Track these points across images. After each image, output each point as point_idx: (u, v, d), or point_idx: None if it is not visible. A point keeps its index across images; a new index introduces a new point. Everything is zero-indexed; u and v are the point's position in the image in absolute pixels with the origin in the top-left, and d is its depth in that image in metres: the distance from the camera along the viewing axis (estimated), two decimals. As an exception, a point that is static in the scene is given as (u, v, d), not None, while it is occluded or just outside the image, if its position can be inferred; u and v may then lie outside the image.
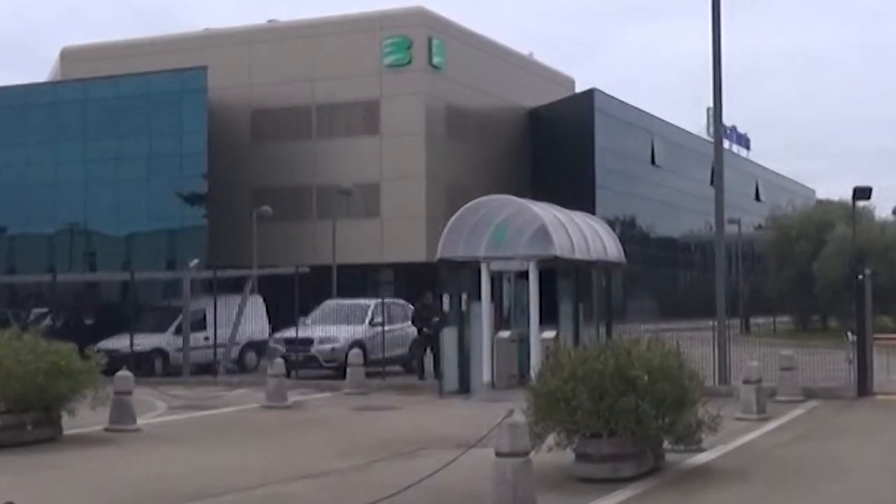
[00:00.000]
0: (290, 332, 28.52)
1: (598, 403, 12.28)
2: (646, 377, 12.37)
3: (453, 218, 23.86)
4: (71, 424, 17.25)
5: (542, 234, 23.02)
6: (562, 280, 24.04)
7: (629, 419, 12.25)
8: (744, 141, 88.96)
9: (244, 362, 30.82)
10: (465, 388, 23.98)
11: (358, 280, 50.39)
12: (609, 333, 24.95)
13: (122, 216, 55.88)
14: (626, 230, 62.57)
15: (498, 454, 10.44)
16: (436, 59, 57.46)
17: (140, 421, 19.14)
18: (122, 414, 18.24)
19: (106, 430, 17.96)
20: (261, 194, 54.05)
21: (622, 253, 26.38)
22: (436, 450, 15.47)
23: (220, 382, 27.44)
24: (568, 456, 12.71)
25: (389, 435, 17.62)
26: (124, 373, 18.47)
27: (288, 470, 13.87)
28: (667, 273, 72.91)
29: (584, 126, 63.49)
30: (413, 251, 50.49)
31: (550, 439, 12.55)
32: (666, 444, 13.25)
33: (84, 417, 17.23)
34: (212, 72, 54.58)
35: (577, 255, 23.56)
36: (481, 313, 23.66)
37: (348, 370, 25.14)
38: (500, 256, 23.60)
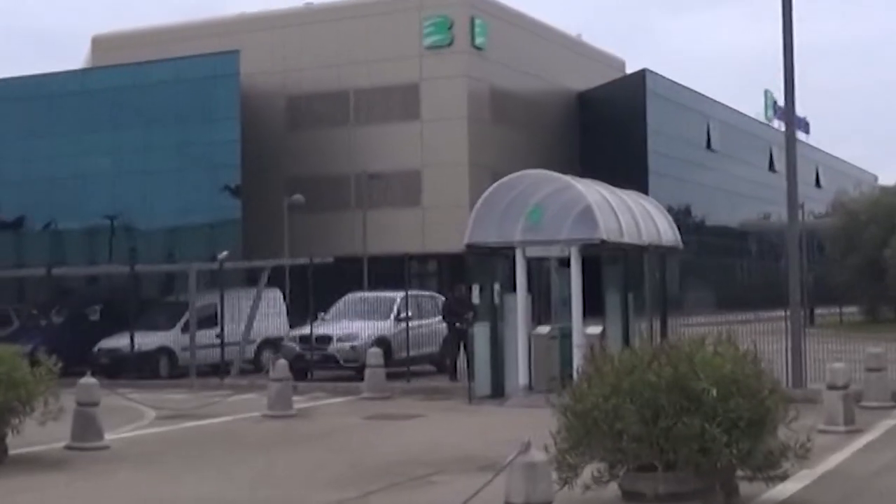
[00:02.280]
0: (306, 329, 25.56)
1: (650, 426, 9.25)
2: (714, 391, 9.33)
3: (484, 196, 20.80)
4: (31, 441, 14.48)
5: (587, 215, 19.94)
6: (608, 267, 20.90)
7: (692, 447, 9.21)
8: (803, 125, 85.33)
9: (260, 362, 27.86)
10: (498, 391, 20.95)
11: (397, 271, 47.95)
12: (664, 328, 21.82)
13: (153, 208, 54.16)
14: (681, 218, 59.72)
15: (509, 506, 7.47)
16: (478, 40, 55.01)
17: (115, 435, 16.35)
18: (86, 429, 15.38)
19: (67, 447, 15.16)
20: (297, 183, 52.13)
21: (678, 237, 23.21)
22: (453, 475, 12.64)
23: (228, 385, 24.59)
24: (611, 493, 9.72)
25: (401, 453, 14.67)
26: (87, 380, 15.61)
27: (256, 507, 10.98)
28: (724, 262, 69.67)
29: (636, 109, 61.05)
30: (455, 241, 47.64)
31: (588, 473, 9.57)
32: (739, 472, 10.19)
33: (49, 433, 14.45)
34: (246, 57, 52.65)
35: (627, 239, 20.43)
36: (516, 306, 20.61)
37: (367, 372, 22.15)
38: (537, 241, 20.49)
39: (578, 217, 20.23)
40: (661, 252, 22.16)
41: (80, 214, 55.39)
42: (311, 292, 25.57)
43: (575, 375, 11.80)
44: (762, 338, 19.47)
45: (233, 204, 53.08)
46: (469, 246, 20.70)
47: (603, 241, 19.62)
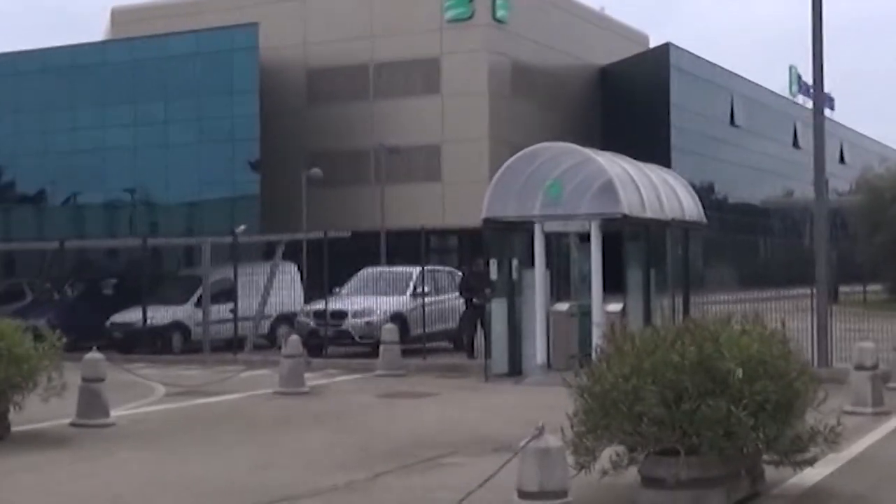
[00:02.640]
0: (320, 304, 25.08)
1: (672, 408, 8.75)
2: (740, 372, 8.81)
3: (502, 169, 20.27)
4: (35, 418, 14.10)
5: (608, 189, 19.39)
6: (630, 243, 20.34)
7: (717, 431, 8.69)
8: (828, 101, 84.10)
9: (275, 337, 27.33)
10: (515, 369, 20.46)
11: (416, 246, 47.44)
12: (686, 306, 21.30)
13: (172, 182, 54.00)
14: (704, 194, 58.78)
15: (522, 495, 6.99)
16: (500, 13, 54.39)
17: (122, 412, 15.97)
18: (91, 406, 14.97)
19: (72, 424, 14.76)
20: (316, 158, 51.86)
21: (702, 212, 22.63)
22: (467, 456, 12.20)
23: (241, 361, 24.13)
24: (630, 479, 9.24)
25: (413, 433, 14.22)
26: (94, 355, 15.17)
27: (259, 489, 10.50)
28: (746, 240, 68.94)
29: (659, 84, 60.42)
30: (475, 216, 47.04)
31: (606, 457, 9.08)
32: (765, 457, 9.68)
33: (55, 409, 14.06)
34: (266, 30, 52.36)
35: (649, 214, 19.87)
36: (534, 282, 20.10)
37: (381, 348, 21.68)
38: (557, 215, 19.96)
39: (599, 191, 19.71)
40: (684, 227, 21.60)
41: (100, 188, 55.47)
42: (327, 267, 25.07)
43: (594, 354, 11.34)
44: (786, 316, 19.03)
45: (251, 178, 52.96)
46: (486, 220, 20.17)
47: (624, 216, 19.07)
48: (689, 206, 21.87)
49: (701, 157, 61.84)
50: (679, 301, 21.00)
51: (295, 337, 19.50)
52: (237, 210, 51.42)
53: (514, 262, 20.71)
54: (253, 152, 52.86)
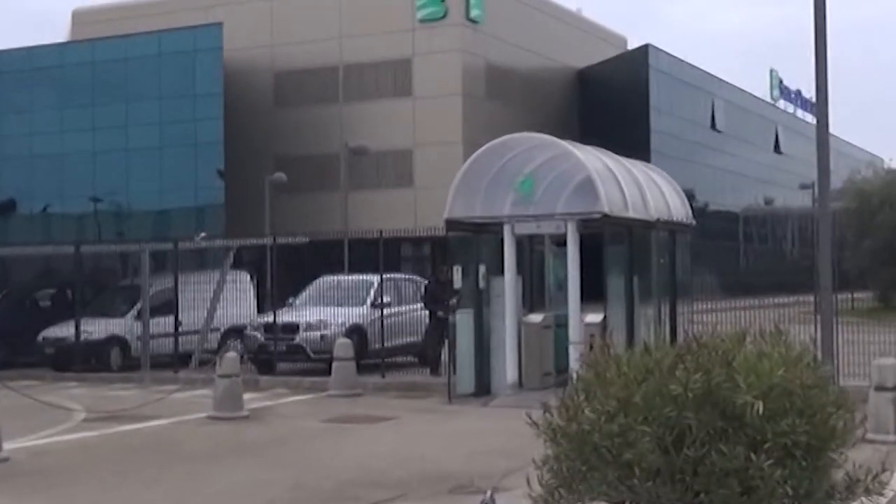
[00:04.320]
0: (271, 317, 22.79)
1: (672, 455, 6.58)
2: (760, 406, 6.64)
3: (467, 163, 18.11)
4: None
5: (586, 186, 17.27)
6: (611, 246, 18.21)
7: (731, 485, 6.53)
8: (809, 106, 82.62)
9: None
10: (483, 389, 18.26)
11: (387, 255, 45.64)
12: (673, 316, 19.17)
13: (134, 187, 52.03)
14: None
15: None
16: (474, 13, 52.70)
17: (23, 443, 13.80)
18: (-18, 437, 12.76)
19: (-44, 459, 12.55)
20: (284, 163, 50.36)
21: (690, 213, 20.52)
22: (417, 500, 10.06)
23: (182, 380, 21.85)
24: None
25: (360, 467, 12.05)
26: (-16, 378, 12.94)
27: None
28: (727, 246, 67.12)
29: (638, 86, 58.83)
30: (449, 222, 45.29)
31: (585, 520, 6.93)
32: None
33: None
34: (231, 31, 50.75)
35: (632, 214, 17.72)
36: (504, 291, 17.92)
37: (334, 366, 19.38)
38: (529, 216, 17.79)
39: (577, 188, 17.60)
40: (670, 229, 19.43)
41: (60, 194, 53.61)
42: (275, 276, 22.87)
43: (573, 378, 9.18)
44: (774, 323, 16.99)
45: (216, 183, 51.03)
46: (450, 221, 17.96)
47: (604, 216, 16.91)
48: (676, 206, 19.74)
49: (681, 161, 60.08)
50: (665, 311, 18.79)
51: (231, 354, 17.23)
52: (202, 216, 49.70)
53: (482, 269, 18.50)
54: (217, 156, 50.96)
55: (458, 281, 18.44)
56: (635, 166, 19.49)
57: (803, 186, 56.09)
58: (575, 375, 7.69)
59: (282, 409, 17.84)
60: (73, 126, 53.19)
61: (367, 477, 11.43)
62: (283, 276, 28.63)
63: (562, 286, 18.33)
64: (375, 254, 22.32)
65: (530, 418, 7.17)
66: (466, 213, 17.98)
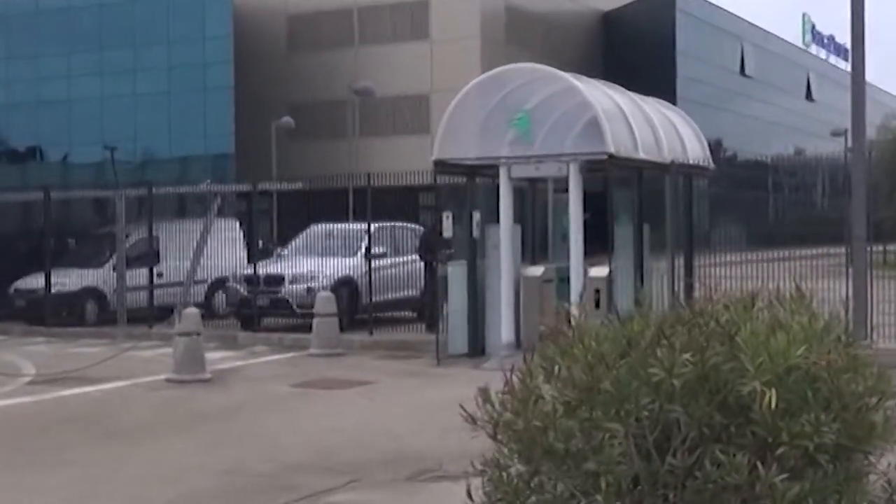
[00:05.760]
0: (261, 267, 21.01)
1: (654, 463, 4.80)
2: (773, 397, 4.81)
3: (458, 98, 16.23)
4: None
5: (590, 123, 15.43)
6: (619, 191, 16.36)
7: (731, 502, 4.76)
8: (843, 52, 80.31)
9: (213, 305, 23.35)
10: (477, 349, 16.51)
11: (405, 203, 44.26)
12: (689, 269, 17.34)
13: (141, 134, 50.75)
14: (711, 148, 55.83)
15: None
16: (494, -48, 50.57)
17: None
18: None
19: None
20: (298, 109, 48.87)
21: (708, 154, 18.59)
22: (368, 489, 8.45)
23: (156, 335, 20.20)
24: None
25: (315, 444, 10.38)
26: None
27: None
28: (755, 196, 65.09)
29: (665, 30, 56.98)
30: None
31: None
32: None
33: None
34: (243, -28, 48.84)
35: (643, 155, 15.84)
36: (500, 241, 16.13)
37: (315, 322, 17.66)
38: (526, 157, 15.94)
39: (580, 126, 15.75)
40: (686, 172, 17.48)
41: (66, 140, 52.36)
42: (251, 223, 21.15)
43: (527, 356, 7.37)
44: (807, 279, 15.27)
45: (226, 129, 49.57)
46: (438, 163, 16.14)
47: (610, 157, 15.04)
48: (694, 147, 17.83)
49: (709, 108, 58.24)
50: (680, 263, 16.90)
51: (192, 310, 15.50)
52: (211, 164, 48.32)
53: (476, 217, 16.68)
54: (227, 102, 49.51)
55: (448, 230, 16.65)
56: (648, 103, 17.59)
57: (835, 133, 54.01)
58: (530, 352, 5.93)
59: (251, 371, 16.12)
60: (79, 70, 51.94)
61: (317, 458, 9.76)
62: (286, 224, 27.06)
63: (566, 237, 16.52)
64: (392, 202, 20.66)
65: (464, 409, 5.41)
66: (458, 154, 16.16)
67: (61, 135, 52.48)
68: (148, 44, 50.74)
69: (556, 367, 5.47)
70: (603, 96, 16.19)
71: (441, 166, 16.17)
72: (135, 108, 51.07)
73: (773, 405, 4.77)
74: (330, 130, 51.14)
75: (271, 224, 30.35)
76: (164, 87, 50.84)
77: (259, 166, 45.67)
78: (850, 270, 16.05)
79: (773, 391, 4.84)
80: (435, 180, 16.61)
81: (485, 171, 16.51)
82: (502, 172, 15.94)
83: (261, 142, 48.17)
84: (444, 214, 16.77)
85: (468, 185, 16.84)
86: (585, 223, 15.66)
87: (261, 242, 21.82)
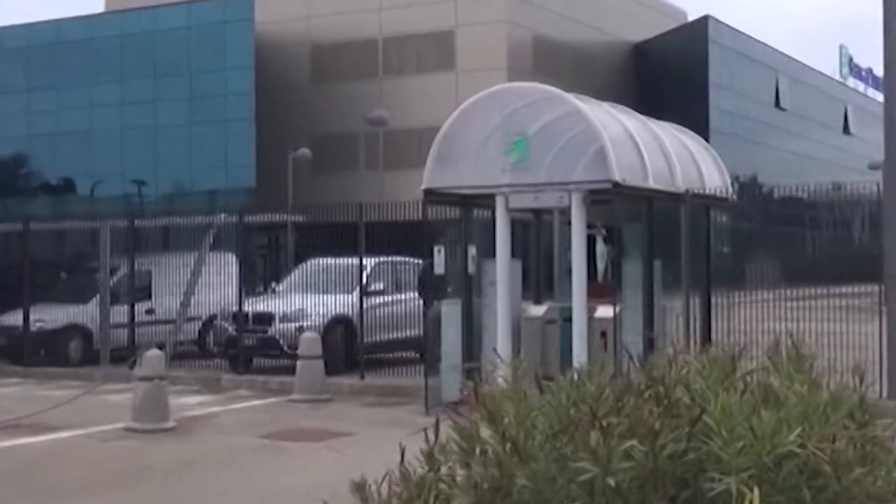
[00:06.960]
0: (250, 304, 19.61)
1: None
2: (754, 499, 3.39)
3: (449, 121, 14.90)
4: None
5: (596, 151, 14.02)
6: (627, 224, 14.92)
7: None
8: (881, 85, 78.49)
9: (206, 344, 21.98)
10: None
11: (411, 236, 43.12)
12: (707, 308, 15.83)
13: (162, 165, 49.88)
14: (746, 182, 54.59)
15: None
16: (520, -20, 49.54)
17: None
18: None
19: None
20: (321, 140, 47.87)
21: (728, 184, 17.05)
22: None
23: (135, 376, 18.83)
24: None
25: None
26: None
27: None
28: (792, 232, 63.44)
29: (697, 61, 55.69)
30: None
31: None
32: None
33: None
34: (268, 4, 47.88)
35: (653, 183, 14.41)
36: (497, 278, 14.69)
37: (299, 365, 16.26)
38: (524, 185, 14.53)
39: (583, 152, 14.34)
40: (704, 203, 15.98)
41: (86, 170, 51.57)
42: (243, 259, 19.81)
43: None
44: (833, 324, 13.82)
45: (248, 161, 48.59)
46: (428, 192, 14.76)
47: (616, 185, 13.61)
48: (713, 176, 16.34)
49: (743, 141, 56.86)
50: (696, 303, 15.37)
51: (155, 353, 14.14)
52: (232, 196, 47.30)
53: (472, 251, 15.26)
54: (248, 133, 48.58)
55: (439, 265, 15.23)
56: (663, 128, 16.16)
57: (872, 167, 52.37)
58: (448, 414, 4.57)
59: (223, 419, 14.69)
60: (101, 101, 51.30)
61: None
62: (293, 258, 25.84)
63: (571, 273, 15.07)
64: (394, 233, 19.35)
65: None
66: (451, 182, 14.79)
67: (83, 166, 51.79)
68: (169, 74, 49.93)
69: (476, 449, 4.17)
70: (610, 120, 14.82)
71: (431, 196, 14.76)
72: (155, 140, 50.28)
73: (756, 510, 3.36)
74: (353, 162, 50.30)
75: (277, 258, 29.17)
76: (184, 119, 50.05)
77: (281, 199, 44.69)
78: (885, 310, 14.55)
79: (757, 491, 3.42)
80: (424, 213, 15.16)
81: (481, 202, 15.12)
82: (499, 202, 14.51)
83: (283, 174, 47.24)
84: (436, 249, 15.34)
85: (462, 216, 15.42)
86: (610, 259, 14.28)
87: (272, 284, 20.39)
